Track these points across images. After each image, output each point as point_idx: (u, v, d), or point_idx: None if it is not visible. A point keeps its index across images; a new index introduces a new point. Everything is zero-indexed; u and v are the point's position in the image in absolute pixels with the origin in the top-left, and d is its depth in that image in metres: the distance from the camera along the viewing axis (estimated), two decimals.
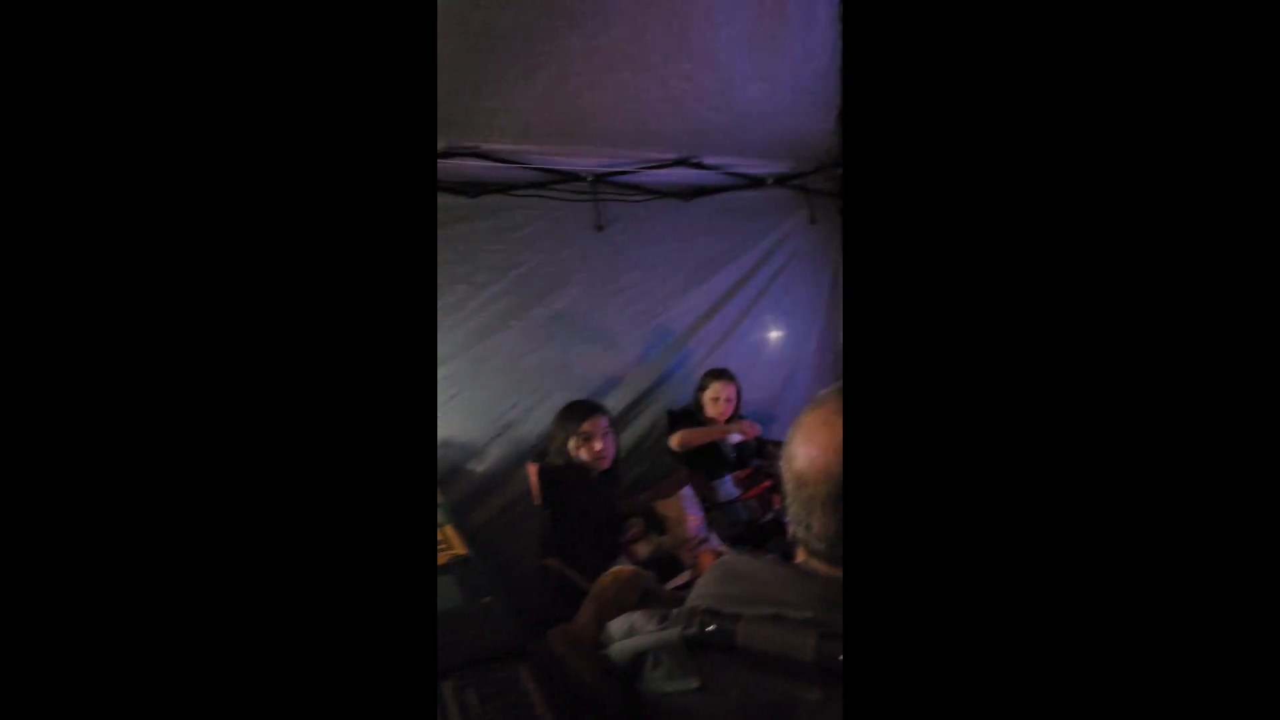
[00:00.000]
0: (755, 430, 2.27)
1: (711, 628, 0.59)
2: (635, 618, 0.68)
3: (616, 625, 0.71)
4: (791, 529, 0.62)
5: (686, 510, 1.83)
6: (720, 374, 2.31)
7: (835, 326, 2.96)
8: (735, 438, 2.25)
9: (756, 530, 2.10)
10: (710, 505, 2.09)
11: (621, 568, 1.23)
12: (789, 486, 0.61)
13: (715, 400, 2.27)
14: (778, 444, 2.40)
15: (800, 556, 0.64)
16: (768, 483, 2.14)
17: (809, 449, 0.59)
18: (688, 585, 1.65)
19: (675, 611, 0.64)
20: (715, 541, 1.82)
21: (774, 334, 2.80)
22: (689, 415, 2.31)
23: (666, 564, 1.74)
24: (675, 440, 2.20)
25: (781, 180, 2.65)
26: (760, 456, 2.34)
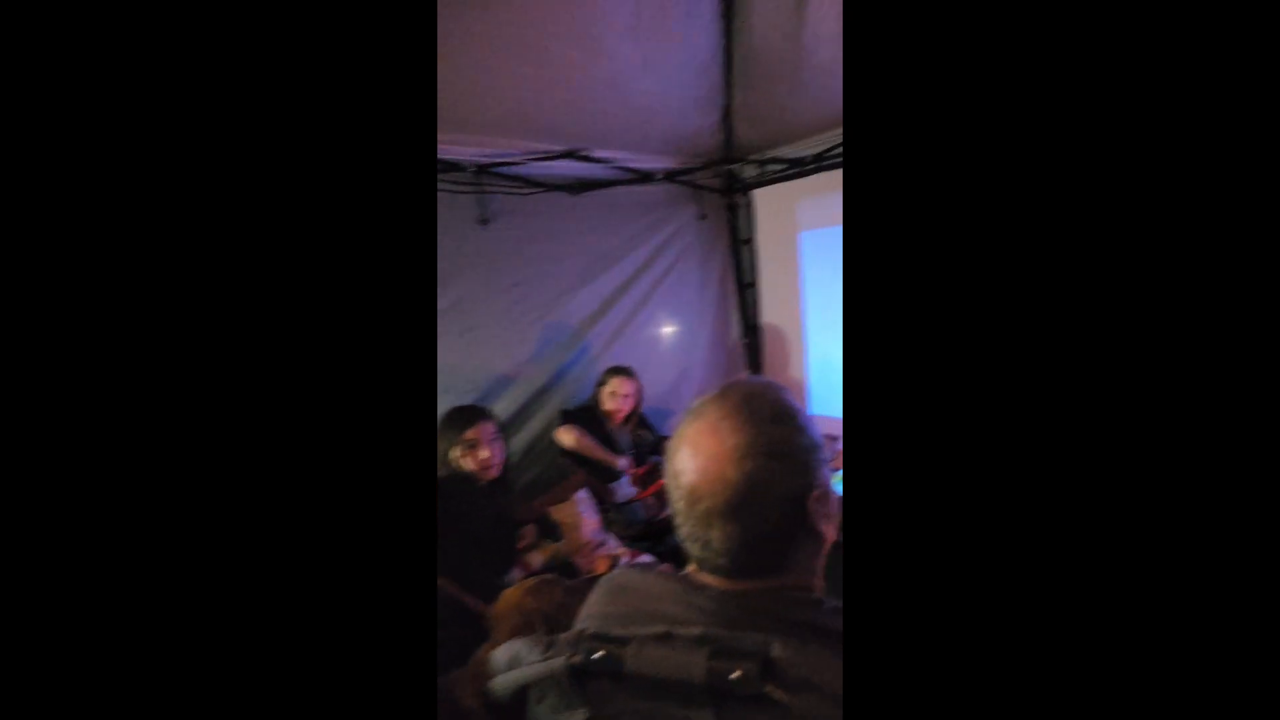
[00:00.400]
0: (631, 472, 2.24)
1: (599, 654, 0.54)
2: (519, 647, 0.63)
3: (500, 655, 0.65)
4: (686, 548, 0.59)
5: (582, 514, 1.78)
6: (620, 370, 2.29)
7: (725, 322, 3.04)
8: (623, 462, 2.20)
9: (655, 528, 2.09)
10: (607, 506, 2.06)
11: (533, 579, 1.15)
12: (680, 505, 0.57)
13: (613, 395, 2.25)
14: None
15: (692, 567, 0.61)
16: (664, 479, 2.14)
17: (698, 460, 0.56)
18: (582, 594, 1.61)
19: (561, 638, 0.60)
20: (613, 543, 1.79)
21: (667, 330, 2.82)
22: (586, 412, 2.26)
23: (563, 571, 1.68)
24: (568, 439, 2.14)
25: (671, 176, 2.66)
26: (657, 453, 2.34)
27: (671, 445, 0.60)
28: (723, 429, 0.55)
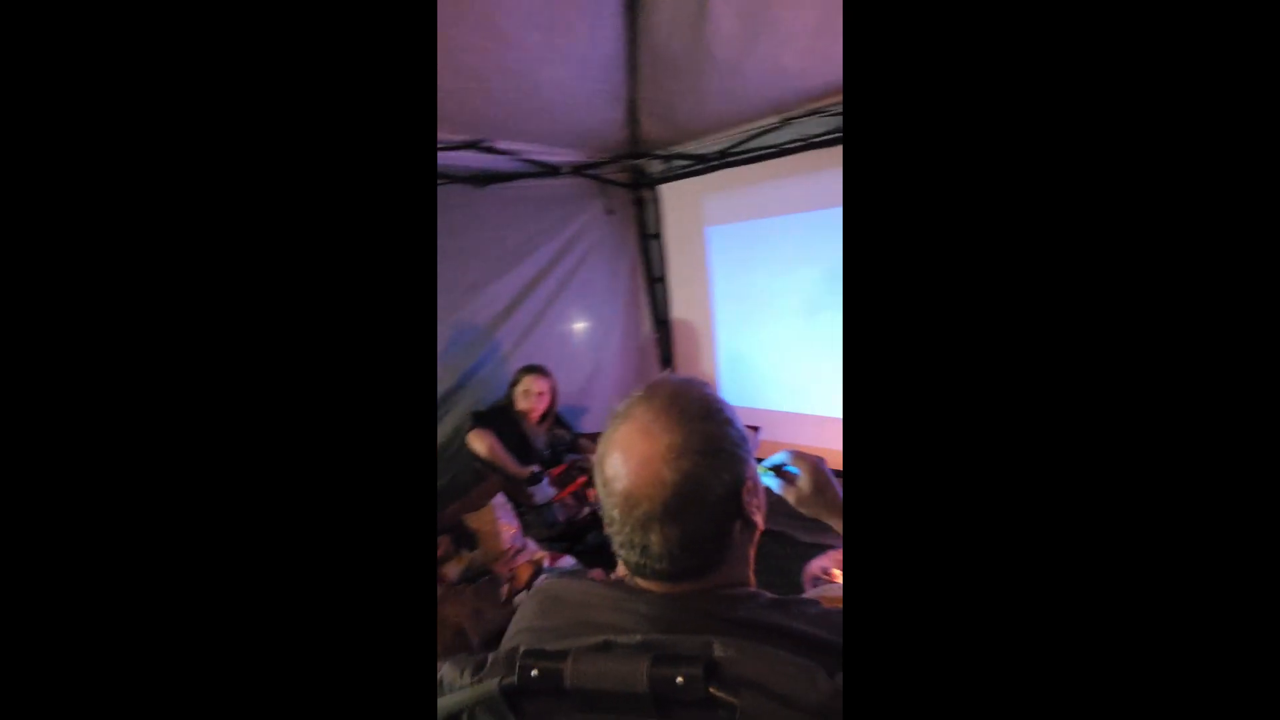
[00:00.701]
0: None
1: (535, 672, 0.52)
2: (445, 671, 0.59)
3: None
4: (624, 556, 0.57)
5: (499, 520, 1.72)
6: (534, 369, 2.24)
7: (636, 317, 3.05)
8: (535, 469, 2.15)
9: (575, 528, 2.07)
10: (525, 509, 2.00)
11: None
12: (615, 513, 0.55)
13: (527, 394, 2.19)
14: (590, 437, 2.40)
15: (621, 571, 0.60)
16: (583, 478, 2.12)
17: (631, 464, 0.54)
18: (508, 601, 1.55)
19: (491, 657, 0.56)
20: (533, 548, 1.74)
21: (578, 326, 2.79)
22: (500, 413, 2.19)
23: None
24: (480, 447, 2.06)
25: (577, 170, 2.63)
26: (573, 450, 2.31)
27: (600, 451, 0.58)
28: (654, 430, 0.54)
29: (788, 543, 1.89)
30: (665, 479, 0.53)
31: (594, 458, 0.59)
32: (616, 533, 0.56)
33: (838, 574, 1.61)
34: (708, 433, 0.55)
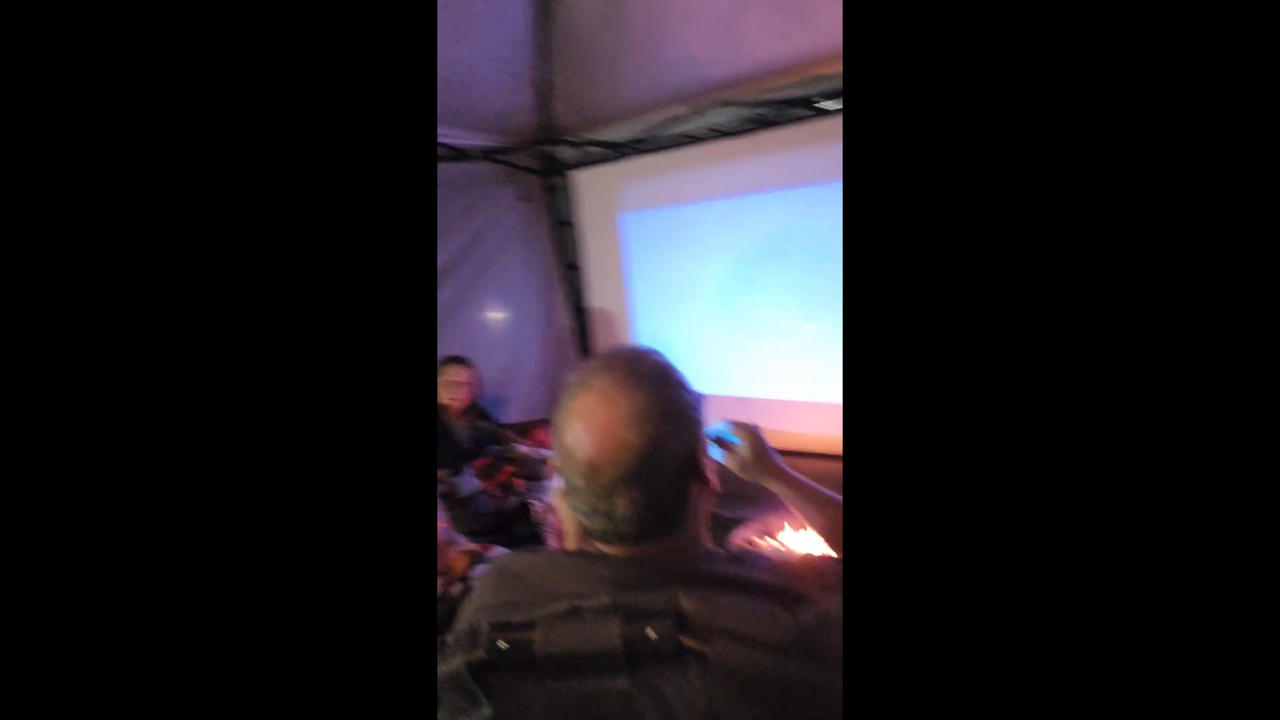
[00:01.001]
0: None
1: (503, 644, 0.51)
2: None
3: None
4: (588, 523, 0.57)
5: None
6: (455, 359, 2.17)
7: (553, 306, 3.02)
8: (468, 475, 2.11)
9: (503, 518, 2.03)
10: (452, 503, 1.94)
11: None
12: (580, 482, 0.55)
13: (448, 384, 2.12)
14: (514, 427, 2.36)
15: (571, 544, 0.60)
16: (510, 469, 2.08)
17: (594, 431, 0.55)
18: (444, 597, 1.50)
19: (451, 639, 0.55)
20: (463, 541, 1.70)
21: (496, 315, 2.73)
22: None
23: None
24: None
25: (488, 154, 2.55)
26: (497, 442, 2.27)
27: (558, 423, 0.58)
28: (615, 396, 0.55)
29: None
30: (629, 444, 0.54)
31: (534, 440, 0.59)
32: (581, 501, 0.56)
33: (760, 543, 1.69)
34: (667, 397, 0.56)
